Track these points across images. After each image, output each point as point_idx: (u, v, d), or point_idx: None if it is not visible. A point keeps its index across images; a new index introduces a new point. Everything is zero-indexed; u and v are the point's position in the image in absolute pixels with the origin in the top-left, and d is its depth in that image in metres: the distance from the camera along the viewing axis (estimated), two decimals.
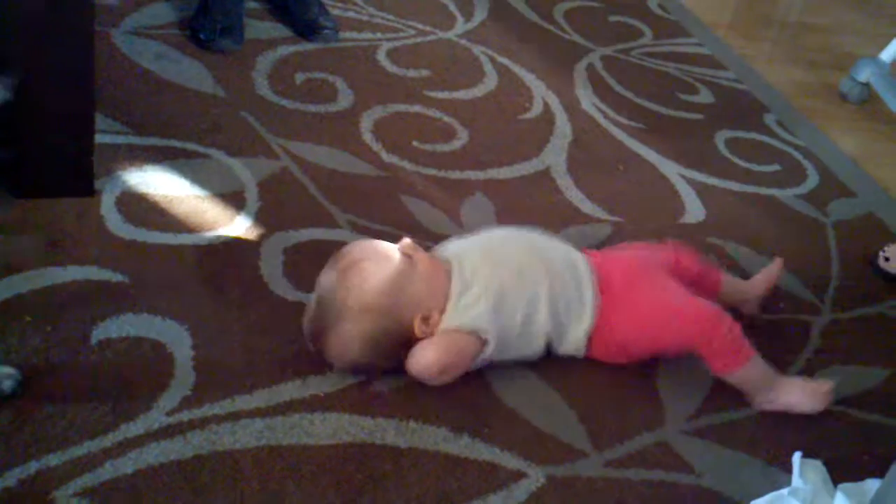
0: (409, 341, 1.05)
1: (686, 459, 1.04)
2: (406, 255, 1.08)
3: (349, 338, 1.02)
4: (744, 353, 1.09)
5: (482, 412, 1.04)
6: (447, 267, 1.10)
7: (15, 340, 1.01)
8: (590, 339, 1.12)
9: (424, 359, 1.03)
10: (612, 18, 2.17)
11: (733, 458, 1.05)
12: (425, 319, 1.05)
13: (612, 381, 1.12)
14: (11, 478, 0.86)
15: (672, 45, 2.09)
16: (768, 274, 1.28)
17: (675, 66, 1.99)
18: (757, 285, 1.27)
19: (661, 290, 1.13)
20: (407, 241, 1.11)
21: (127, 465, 0.89)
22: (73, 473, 0.88)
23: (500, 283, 1.08)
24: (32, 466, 0.87)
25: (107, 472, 0.88)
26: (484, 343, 1.06)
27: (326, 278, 1.05)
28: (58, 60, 1.15)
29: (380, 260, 1.06)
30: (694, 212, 1.50)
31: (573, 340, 1.12)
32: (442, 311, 1.06)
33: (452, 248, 1.15)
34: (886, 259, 1.42)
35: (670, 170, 1.60)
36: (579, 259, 1.16)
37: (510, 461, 0.99)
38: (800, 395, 1.12)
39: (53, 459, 0.88)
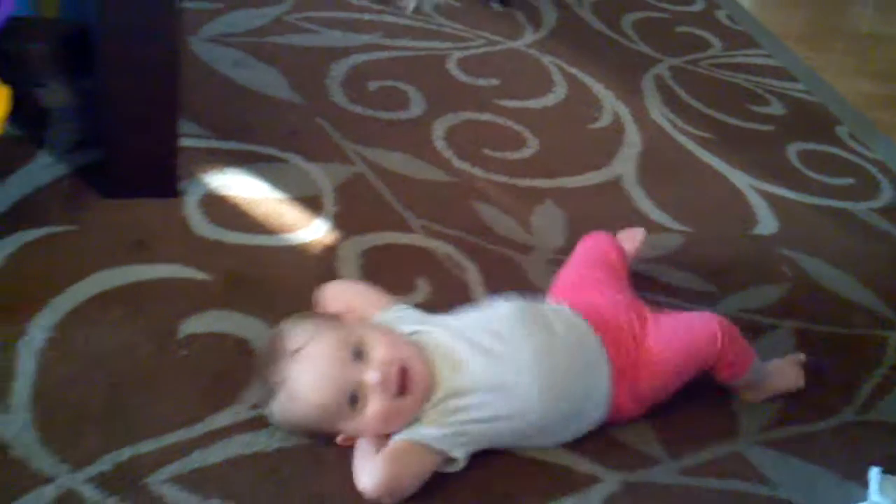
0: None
1: (761, 471, 1.03)
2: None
3: (282, 411, 0.94)
4: (750, 354, 1.07)
5: None
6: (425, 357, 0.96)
7: (107, 332, 1.05)
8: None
9: (362, 484, 0.90)
10: (680, 29, 2.16)
11: (809, 471, 1.04)
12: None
13: (685, 392, 1.10)
14: (107, 462, 0.90)
15: (741, 56, 2.08)
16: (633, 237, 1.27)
17: (745, 77, 1.97)
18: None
19: (664, 330, 1.05)
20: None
21: (215, 454, 0.92)
22: (164, 461, 0.91)
23: (499, 394, 0.95)
24: (126, 453, 0.91)
25: (195, 460, 0.91)
26: (450, 462, 0.94)
27: (272, 350, 0.95)
28: (145, 66, 1.20)
29: (327, 360, 0.92)
30: (766, 223, 1.48)
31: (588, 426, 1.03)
32: None
33: (443, 331, 0.99)
34: None
35: (742, 181, 1.59)
36: (592, 348, 1.01)
37: (584, 465, 1.00)
38: (791, 376, 1.13)
39: (145, 447, 0.92)
